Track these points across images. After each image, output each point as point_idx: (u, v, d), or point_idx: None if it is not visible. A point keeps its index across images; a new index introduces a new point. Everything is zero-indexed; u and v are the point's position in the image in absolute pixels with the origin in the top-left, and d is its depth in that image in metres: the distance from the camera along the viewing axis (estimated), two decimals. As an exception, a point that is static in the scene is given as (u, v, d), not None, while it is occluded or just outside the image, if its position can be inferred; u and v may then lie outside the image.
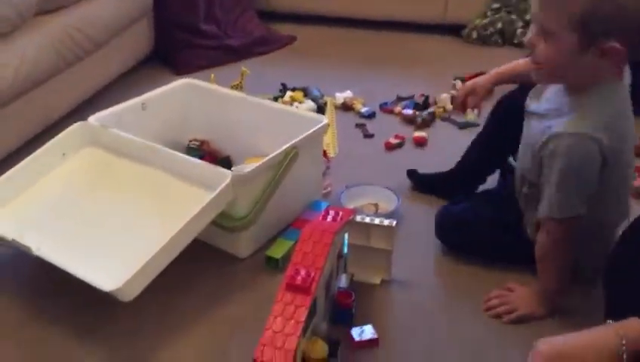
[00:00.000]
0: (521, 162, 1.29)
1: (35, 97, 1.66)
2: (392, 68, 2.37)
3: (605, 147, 1.09)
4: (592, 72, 1.10)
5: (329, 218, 1.15)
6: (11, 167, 1.33)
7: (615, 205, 1.23)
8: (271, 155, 1.31)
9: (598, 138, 1.08)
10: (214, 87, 1.67)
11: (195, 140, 1.65)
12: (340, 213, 1.17)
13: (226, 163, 1.61)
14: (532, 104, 1.25)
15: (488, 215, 1.35)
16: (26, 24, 1.58)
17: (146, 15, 2.22)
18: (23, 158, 1.35)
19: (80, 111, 1.84)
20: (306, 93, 2.06)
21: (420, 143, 1.84)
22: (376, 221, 1.26)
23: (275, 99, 2.01)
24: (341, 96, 2.08)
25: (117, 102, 1.54)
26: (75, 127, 1.41)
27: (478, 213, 1.36)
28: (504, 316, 1.21)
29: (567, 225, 1.15)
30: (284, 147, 1.33)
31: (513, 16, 2.52)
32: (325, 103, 2.03)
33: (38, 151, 1.35)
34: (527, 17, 2.52)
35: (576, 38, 1.06)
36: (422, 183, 1.63)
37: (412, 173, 1.65)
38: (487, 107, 1.55)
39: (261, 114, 1.57)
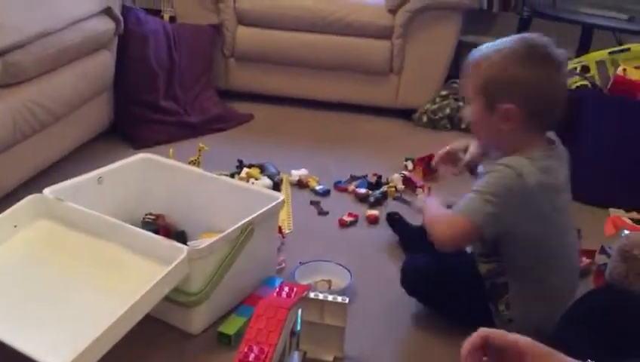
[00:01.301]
0: None
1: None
2: (347, 148, 2.45)
3: (530, 191, 1.23)
4: (505, 134, 1.27)
5: (283, 294, 1.16)
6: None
7: (559, 269, 1.33)
8: (227, 231, 1.33)
9: (525, 177, 1.22)
10: (172, 162, 1.70)
11: (150, 214, 1.66)
12: (295, 289, 1.19)
13: (181, 237, 1.62)
14: (480, 168, 1.42)
15: (450, 265, 1.41)
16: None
17: (106, 90, 2.25)
18: (-28, 229, 1.33)
19: (35, 182, 1.83)
20: (263, 170, 2.10)
21: (373, 221, 1.90)
22: (330, 298, 1.28)
23: (232, 175, 2.04)
24: (297, 174, 2.13)
25: (74, 175, 1.54)
26: (29, 199, 1.40)
27: (441, 264, 1.41)
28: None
29: (464, 227, 1.25)
30: (240, 223, 1.35)
31: (460, 103, 2.67)
32: (281, 180, 2.08)
33: (-11, 223, 1.33)
34: (473, 104, 2.67)
35: (483, 101, 1.28)
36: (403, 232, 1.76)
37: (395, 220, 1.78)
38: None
39: (218, 189, 1.60)
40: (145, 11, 2.54)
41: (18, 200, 1.42)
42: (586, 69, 2.21)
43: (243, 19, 2.73)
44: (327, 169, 2.22)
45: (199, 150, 1.99)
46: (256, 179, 2.03)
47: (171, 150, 1.98)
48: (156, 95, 2.40)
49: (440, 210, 1.36)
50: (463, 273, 1.41)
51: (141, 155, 1.68)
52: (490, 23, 3.25)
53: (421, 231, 1.53)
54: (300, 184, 2.11)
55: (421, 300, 1.46)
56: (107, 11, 2.12)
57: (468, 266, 1.42)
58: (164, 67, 2.44)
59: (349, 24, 2.65)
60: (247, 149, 2.33)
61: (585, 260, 1.68)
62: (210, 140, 2.38)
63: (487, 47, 1.29)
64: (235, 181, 1.74)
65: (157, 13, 2.89)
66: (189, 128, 2.44)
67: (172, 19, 2.85)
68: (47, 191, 1.43)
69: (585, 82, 2.11)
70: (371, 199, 2.00)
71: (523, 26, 3.04)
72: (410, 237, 1.75)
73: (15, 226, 1.37)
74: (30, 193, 1.44)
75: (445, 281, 1.40)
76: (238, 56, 2.78)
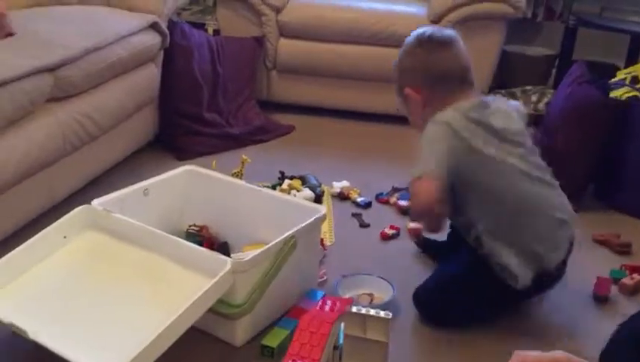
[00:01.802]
0: None
1: (40, 179, 1.69)
2: (388, 159, 2.44)
3: (456, 128, 1.36)
4: (421, 112, 1.47)
5: (326, 308, 1.16)
6: (13, 248, 1.34)
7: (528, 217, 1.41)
8: (270, 244, 1.33)
9: (448, 119, 1.37)
10: (215, 174, 1.71)
11: (195, 226, 1.68)
12: (338, 303, 1.18)
13: (224, 249, 1.63)
14: None
15: (455, 271, 1.49)
16: (37, 109, 1.64)
17: (151, 102, 2.30)
18: (25, 238, 1.37)
19: (83, 193, 1.88)
20: (304, 182, 2.11)
21: (416, 234, 1.88)
22: (372, 312, 1.27)
23: (274, 187, 2.06)
24: (338, 186, 2.13)
25: (120, 186, 1.58)
26: (78, 210, 1.44)
27: (447, 275, 1.50)
28: None
29: (428, 186, 1.32)
30: (283, 236, 1.36)
31: (504, 114, 2.62)
32: (322, 192, 2.08)
33: (41, 234, 1.37)
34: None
35: (397, 93, 1.53)
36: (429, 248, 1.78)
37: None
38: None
39: (260, 202, 1.61)
40: (190, 25, 2.59)
41: (67, 210, 1.46)
42: (635, 79, 2.15)
43: (285, 32, 2.75)
44: (368, 181, 2.21)
45: (242, 162, 2.01)
46: (298, 191, 2.04)
47: (214, 162, 2.00)
48: (200, 107, 2.43)
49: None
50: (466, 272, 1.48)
51: (185, 167, 1.71)
52: (535, 33, 3.20)
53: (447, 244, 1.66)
54: (342, 196, 2.11)
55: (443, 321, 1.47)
56: (154, 26, 2.16)
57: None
58: (208, 79, 2.48)
59: (391, 35, 2.64)
60: (289, 160, 2.34)
61: (635, 276, 1.63)
62: (252, 151, 2.41)
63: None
64: (277, 193, 1.74)
65: (201, 26, 2.94)
66: (232, 140, 2.47)
67: (216, 32, 2.89)
68: (95, 202, 1.46)
69: (635, 93, 2.06)
70: (413, 211, 1.98)
71: (569, 36, 2.98)
72: (438, 250, 1.76)
73: (65, 237, 1.41)
74: (79, 204, 1.48)
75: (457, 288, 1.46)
76: (280, 68, 2.81)
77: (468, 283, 1.45)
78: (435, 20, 2.63)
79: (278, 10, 2.73)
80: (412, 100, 1.48)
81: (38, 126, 1.65)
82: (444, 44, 1.48)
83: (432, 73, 1.45)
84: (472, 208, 1.43)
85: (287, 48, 2.76)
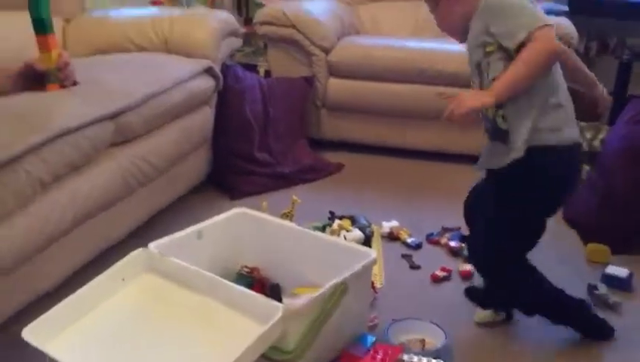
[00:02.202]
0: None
1: (99, 220, 1.76)
2: (439, 198, 2.42)
3: None
4: (460, 13, 1.45)
5: (378, 358, 1.15)
6: (73, 289, 1.39)
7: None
8: (321, 290, 1.34)
9: None
10: (266, 216, 1.74)
11: (246, 267, 1.71)
12: (389, 352, 1.18)
13: (276, 290, 1.65)
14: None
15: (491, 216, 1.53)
16: (98, 154, 1.71)
17: (205, 143, 2.36)
18: (84, 279, 1.42)
19: (140, 233, 1.93)
20: (354, 222, 2.11)
21: (467, 276, 1.85)
22: (424, 360, 1.26)
23: (324, 227, 2.07)
24: (387, 226, 2.13)
25: (174, 225, 1.63)
26: (136, 253, 1.48)
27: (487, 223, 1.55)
28: (455, 112, 1.37)
29: (549, 32, 1.32)
30: (334, 282, 1.37)
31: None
32: (372, 233, 2.08)
33: (100, 277, 1.41)
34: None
35: (432, 4, 1.50)
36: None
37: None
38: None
39: (310, 244, 1.63)
40: (242, 67, 2.67)
41: (124, 251, 1.51)
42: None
43: (334, 71, 2.80)
44: (418, 220, 2.20)
45: (292, 203, 2.04)
46: (348, 231, 2.04)
47: (265, 203, 2.03)
48: (251, 147, 2.49)
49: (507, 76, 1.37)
50: None
51: (237, 210, 1.74)
52: (588, 68, 3.13)
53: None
54: (391, 236, 2.10)
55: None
56: (209, 70, 2.24)
57: None
58: (259, 120, 2.54)
59: (439, 73, 2.65)
60: (338, 199, 2.36)
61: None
62: (302, 190, 2.44)
63: None
64: (327, 236, 1.76)
65: (253, 67, 3.03)
66: (282, 179, 2.51)
67: (267, 72, 2.97)
68: (152, 245, 1.50)
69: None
70: (465, 253, 1.96)
71: (623, 71, 2.92)
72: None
73: (123, 279, 1.45)
74: (136, 244, 1.52)
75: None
76: (330, 107, 2.85)
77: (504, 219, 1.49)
78: (485, 58, 2.62)
79: (327, 51, 2.78)
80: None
81: (99, 170, 1.71)
82: None
83: None
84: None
85: (337, 87, 2.80)
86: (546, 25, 1.33)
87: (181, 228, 1.61)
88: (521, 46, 1.34)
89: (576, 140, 1.47)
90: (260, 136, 2.54)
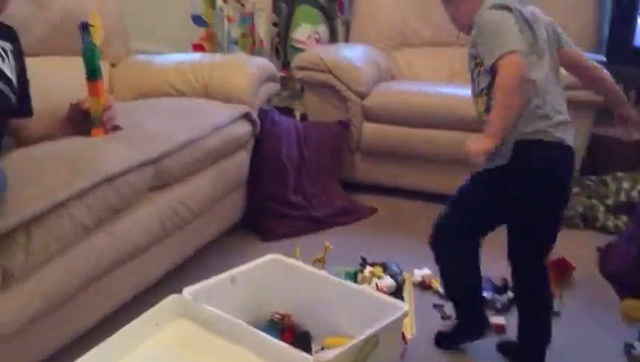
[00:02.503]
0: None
1: (135, 263, 1.80)
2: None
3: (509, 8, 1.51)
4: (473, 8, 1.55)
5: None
6: (107, 332, 1.42)
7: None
8: (352, 343, 1.34)
9: (498, 4, 1.51)
10: (299, 264, 1.76)
11: (278, 314, 1.72)
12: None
13: (306, 338, 1.66)
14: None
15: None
16: (138, 199, 1.76)
17: (240, 186, 2.41)
18: (117, 322, 1.45)
19: (174, 276, 1.97)
20: (385, 269, 2.11)
21: (500, 330, 1.82)
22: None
23: (356, 273, 2.08)
24: (419, 274, 2.12)
25: (208, 268, 1.65)
26: (170, 299, 1.51)
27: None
28: (472, 163, 1.50)
29: (511, 59, 1.42)
30: (365, 335, 1.37)
31: (594, 201, 2.55)
32: (404, 281, 2.07)
33: (135, 321, 1.44)
34: (609, 202, 2.55)
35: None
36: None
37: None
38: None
39: (342, 294, 1.63)
40: (279, 110, 2.72)
41: (158, 293, 1.54)
42: None
43: (369, 116, 2.83)
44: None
45: (325, 249, 2.05)
46: (379, 278, 2.05)
47: (297, 249, 2.05)
48: (286, 190, 2.52)
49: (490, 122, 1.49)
50: None
51: (271, 256, 1.76)
52: (626, 115, 3.10)
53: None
54: (423, 285, 2.09)
55: None
56: (246, 116, 2.30)
57: None
58: (294, 163, 2.58)
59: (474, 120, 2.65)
60: (370, 244, 2.36)
61: None
62: (334, 234, 2.46)
63: None
64: (360, 287, 1.77)
65: (290, 111, 3.09)
66: (316, 222, 2.53)
67: (303, 116, 3.02)
68: (186, 291, 1.53)
69: None
70: (498, 305, 1.93)
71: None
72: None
73: (157, 324, 1.48)
74: (169, 287, 1.55)
75: None
76: (364, 151, 2.88)
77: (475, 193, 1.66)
78: (520, 106, 2.62)
79: (363, 96, 2.82)
80: None
81: (138, 214, 1.76)
82: None
83: None
84: None
85: (371, 132, 2.84)
86: (510, 52, 1.43)
87: (215, 270, 1.65)
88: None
89: (561, 140, 1.53)
90: (294, 178, 2.58)
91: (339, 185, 2.80)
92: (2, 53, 1.67)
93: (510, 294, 1.98)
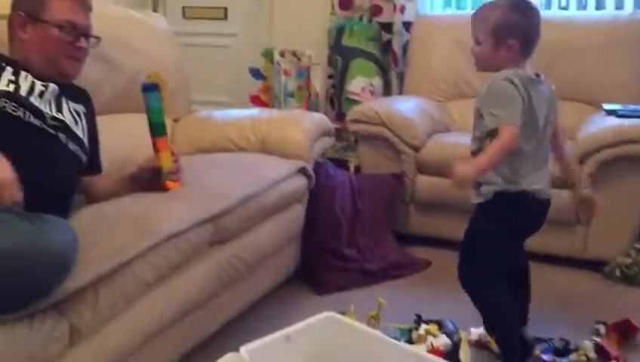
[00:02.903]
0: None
1: (192, 318, 1.83)
2: (531, 304, 2.34)
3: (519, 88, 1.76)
4: (503, 61, 1.81)
5: None
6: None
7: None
8: (407, 410, 1.33)
9: (511, 79, 1.76)
10: (354, 323, 1.75)
11: (332, 373, 1.72)
12: None
13: (359, 400, 1.64)
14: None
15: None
16: (197, 255, 1.82)
17: (295, 239, 2.44)
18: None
19: (228, 330, 2.00)
20: (441, 327, 2.08)
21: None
22: None
23: (410, 330, 2.06)
24: (476, 333, 2.08)
25: (263, 321, 1.65)
26: (227, 358, 1.53)
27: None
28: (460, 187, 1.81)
29: (511, 130, 1.72)
30: (421, 401, 1.35)
31: (658, 259, 2.46)
32: (460, 340, 2.03)
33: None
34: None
35: (492, 40, 1.81)
36: None
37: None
38: None
39: (399, 356, 1.62)
40: (333, 162, 2.77)
41: (214, 347, 1.56)
42: None
43: (423, 169, 2.84)
44: (508, 328, 2.13)
45: (379, 305, 2.05)
46: (435, 337, 2.02)
47: (352, 306, 2.06)
48: (340, 243, 2.54)
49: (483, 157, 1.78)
50: None
51: (326, 314, 1.76)
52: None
53: None
54: (479, 344, 2.05)
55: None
56: (302, 170, 2.35)
57: None
58: (348, 215, 2.60)
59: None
60: (424, 299, 2.34)
61: None
62: (388, 287, 2.45)
63: (487, 4, 1.89)
64: (413, 349, 1.75)
65: (344, 162, 3.13)
66: (369, 275, 2.53)
67: (357, 167, 3.05)
68: (243, 349, 1.55)
69: None
70: (559, 368, 1.88)
71: None
72: None
73: (215, 382, 1.50)
74: (224, 341, 1.57)
75: None
76: (418, 203, 2.87)
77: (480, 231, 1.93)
78: (583, 158, 2.57)
79: (417, 149, 2.84)
80: (511, 52, 1.80)
81: (197, 269, 1.81)
82: (539, 15, 1.85)
83: (530, 36, 1.82)
84: None
85: (425, 184, 2.84)
86: (510, 124, 1.72)
87: (270, 322, 1.67)
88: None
89: (526, 189, 1.84)
90: (348, 231, 2.59)
91: (392, 237, 2.80)
92: (76, 116, 1.78)
93: (572, 357, 1.92)
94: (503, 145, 1.73)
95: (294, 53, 3.45)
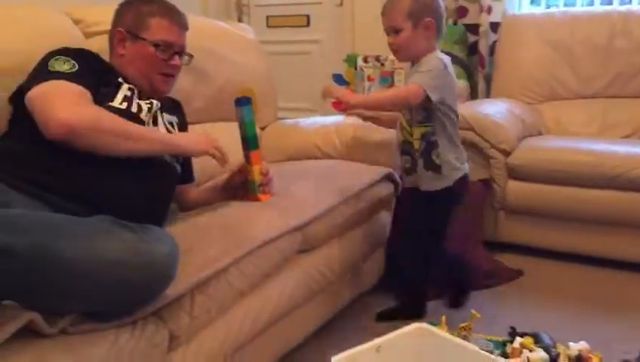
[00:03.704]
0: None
1: (280, 326, 1.84)
2: (635, 316, 2.21)
3: (450, 72, 1.98)
4: (423, 44, 1.96)
5: None
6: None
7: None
8: None
9: (447, 65, 1.97)
10: (445, 334, 1.71)
11: (424, 386, 1.68)
12: None
13: (453, 414, 1.59)
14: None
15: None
16: (286, 263, 1.83)
17: (381, 246, 2.42)
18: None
19: (314, 339, 2.00)
20: (537, 341, 1.99)
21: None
22: None
23: (504, 343, 1.97)
24: (576, 348, 1.97)
25: (348, 330, 1.62)
26: (320, 367, 1.53)
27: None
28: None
29: (418, 90, 1.90)
30: (522, 421, 1.29)
31: None
32: (558, 354, 1.93)
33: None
34: None
35: (410, 23, 1.94)
36: None
37: None
38: None
39: (493, 370, 1.56)
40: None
41: (301, 356, 1.55)
42: None
43: (514, 174, 2.73)
44: (609, 340, 2.02)
45: (471, 316, 1.98)
46: (531, 351, 1.93)
47: (444, 317, 2.00)
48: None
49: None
50: None
51: (416, 325, 1.73)
52: None
53: None
54: (580, 360, 1.94)
55: None
56: (388, 176, 2.32)
57: None
58: (436, 223, 2.54)
59: (634, 179, 2.47)
60: (517, 310, 2.25)
61: None
62: (478, 296, 2.37)
63: None
64: (512, 362, 1.68)
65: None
66: (459, 284, 2.46)
67: (443, 173, 2.98)
68: (333, 360, 1.54)
69: None
70: (671, 388, 1.74)
71: None
72: None
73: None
74: (311, 351, 1.55)
75: None
76: (509, 210, 2.77)
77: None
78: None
79: (507, 154, 2.74)
80: (428, 31, 1.94)
81: (286, 277, 1.81)
82: None
83: (441, 13, 1.97)
84: (437, 122, 2.01)
85: (517, 190, 2.73)
86: (420, 86, 1.89)
87: (357, 332, 1.64)
88: None
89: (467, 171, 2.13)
90: (436, 239, 2.53)
91: (482, 245, 2.72)
92: (170, 128, 1.84)
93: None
94: (401, 94, 1.97)
95: (377, 58, 3.42)
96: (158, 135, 1.70)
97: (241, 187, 1.89)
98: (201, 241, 1.58)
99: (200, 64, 2.35)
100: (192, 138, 1.76)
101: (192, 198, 1.96)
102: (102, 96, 1.61)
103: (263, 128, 2.68)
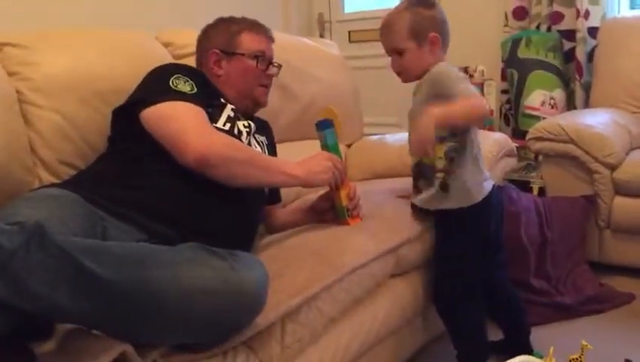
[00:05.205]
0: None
1: (374, 353, 1.74)
2: None
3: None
4: (430, 59, 1.73)
5: None
6: None
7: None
8: None
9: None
10: (556, 368, 1.56)
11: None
12: None
13: None
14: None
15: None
16: (380, 287, 1.74)
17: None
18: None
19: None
20: (657, 374, 1.79)
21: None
22: None
23: (620, 377, 1.79)
24: None
25: (437, 356, 1.48)
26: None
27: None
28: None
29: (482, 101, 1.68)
30: None
31: None
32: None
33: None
34: None
35: (413, 42, 1.72)
36: None
37: None
38: None
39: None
40: (512, 183, 2.56)
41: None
42: None
43: (622, 190, 2.52)
44: None
45: (582, 348, 1.81)
46: (650, 386, 1.73)
47: (552, 349, 1.84)
48: (527, 273, 2.32)
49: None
50: None
51: (522, 358, 1.59)
52: None
53: None
54: None
55: None
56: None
57: None
58: (535, 244, 2.37)
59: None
60: (632, 340, 2.05)
61: None
62: (586, 324, 2.19)
63: (388, 13, 1.76)
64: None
65: (526, 184, 2.89)
66: (563, 310, 2.28)
67: (541, 190, 2.80)
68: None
69: None
70: None
71: None
72: None
73: None
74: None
75: None
76: (616, 228, 2.55)
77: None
78: None
79: (612, 167, 2.53)
80: (434, 46, 1.73)
81: (380, 302, 1.73)
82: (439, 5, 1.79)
83: (445, 29, 1.76)
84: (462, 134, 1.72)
85: (625, 207, 2.52)
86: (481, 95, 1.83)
87: (446, 358, 1.53)
88: None
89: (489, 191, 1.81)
90: (536, 260, 2.36)
91: (587, 267, 2.51)
92: (260, 149, 1.80)
93: None
94: (478, 106, 1.65)
95: (466, 69, 3.29)
96: (278, 164, 1.62)
97: (328, 211, 1.82)
98: (290, 266, 1.52)
99: (286, 81, 2.32)
100: (312, 167, 1.63)
101: (279, 220, 1.91)
102: (209, 116, 1.60)
103: (349, 145, 2.62)
